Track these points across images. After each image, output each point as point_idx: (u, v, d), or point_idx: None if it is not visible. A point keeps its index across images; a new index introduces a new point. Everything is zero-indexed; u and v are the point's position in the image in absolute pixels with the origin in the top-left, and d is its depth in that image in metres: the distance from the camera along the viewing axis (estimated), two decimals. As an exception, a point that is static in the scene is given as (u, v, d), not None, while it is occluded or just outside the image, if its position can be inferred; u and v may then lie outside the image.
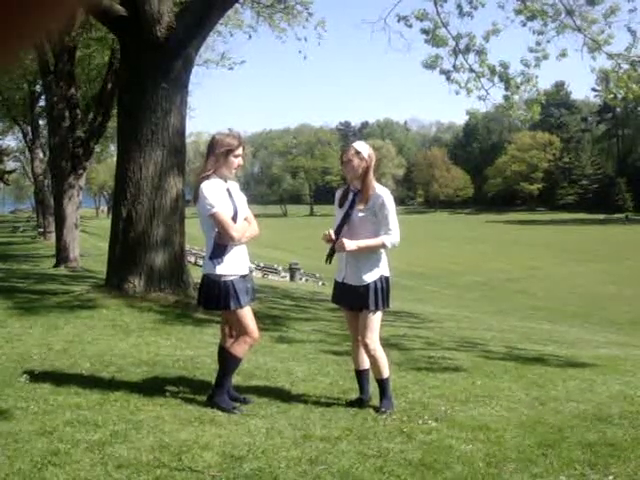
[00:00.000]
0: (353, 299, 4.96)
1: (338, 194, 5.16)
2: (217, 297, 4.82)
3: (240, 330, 4.92)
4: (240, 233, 4.80)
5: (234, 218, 4.81)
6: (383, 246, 4.89)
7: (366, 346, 4.93)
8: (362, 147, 4.96)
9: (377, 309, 4.92)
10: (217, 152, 4.84)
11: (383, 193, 4.93)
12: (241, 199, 4.98)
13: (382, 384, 5.03)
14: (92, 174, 67.97)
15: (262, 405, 4.95)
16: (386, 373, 5.04)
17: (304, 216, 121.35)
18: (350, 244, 4.81)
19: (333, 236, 4.93)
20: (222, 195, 4.81)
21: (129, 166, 9.98)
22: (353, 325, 5.10)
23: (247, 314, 4.88)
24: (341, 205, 5.04)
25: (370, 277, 4.90)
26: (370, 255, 4.91)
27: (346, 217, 4.94)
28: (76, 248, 20.28)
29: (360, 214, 4.89)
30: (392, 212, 4.91)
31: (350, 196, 4.99)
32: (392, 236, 4.87)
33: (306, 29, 16.28)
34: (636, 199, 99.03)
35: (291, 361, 6.61)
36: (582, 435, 4.39)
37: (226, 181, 4.90)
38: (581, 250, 53.73)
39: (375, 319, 4.95)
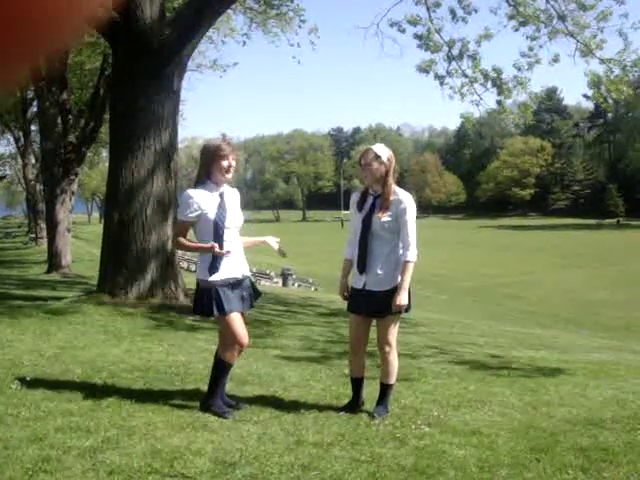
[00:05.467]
0: (376, 305, 4.78)
1: (355, 197, 4.99)
2: (201, 302, 4.81)
3: (226, 336, 4.87)
4: (178, 246, 5.15)
5: (217, 225, 4.74)
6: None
7: (383, 348, 4.88)
8: (381, 150, 4.79)
9: (407, 311, 4.87)
10: (205, 159, 4.81)
11: (405, 198, 4.78)
12: (234, 205, 4.90)
13: (385, 389, 4.98)
14: (84, 179, 67.78)
15: (255, 411, 4.93)
16: (393, 379, 4.98)
17: (297, 221, 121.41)
18: (401, 299, 4.69)
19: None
20: (206, 202, 4.74)
21: (121, 172, 9.96)
22: (360, 333, 4.97)
23: (233, 321, 4.78)
24: (360, 209, 4.89)
25: (396, 280, 4.77)
26: (391, 259, 4.79)
27: (367, 222, 4.79)
28: (68, 254, 20.20)
29: (382, 220, 4.74)
30: (412, 222, 4.76)
31: (370, 200, 4.85)
32: (410, 253, 4.74)
33: (299, 35, 16.28)
34: (627, 204, 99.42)
35: (284, 367, 6.59)
36: (575, 440, 4.39)
37: (220, 186, 4.83)
38: (573, 255, 53.88)
39: (397, 322, 4.90)
